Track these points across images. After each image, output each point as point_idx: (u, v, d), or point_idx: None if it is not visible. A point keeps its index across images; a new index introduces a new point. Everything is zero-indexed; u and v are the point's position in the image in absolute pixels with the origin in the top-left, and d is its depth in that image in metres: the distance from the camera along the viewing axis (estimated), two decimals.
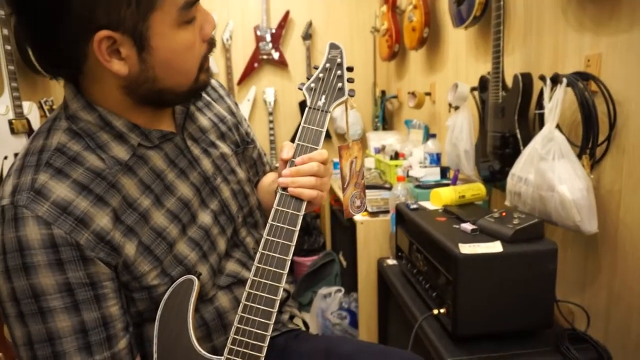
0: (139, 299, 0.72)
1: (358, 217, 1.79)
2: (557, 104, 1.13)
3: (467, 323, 1.09)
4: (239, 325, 0.67)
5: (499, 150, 1.39)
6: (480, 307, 1.08)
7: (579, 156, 1.13)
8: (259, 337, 0.67)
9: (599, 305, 1.17)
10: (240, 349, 0.67)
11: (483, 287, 1.07)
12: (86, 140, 0.68)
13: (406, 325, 1.39)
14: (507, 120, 1.36)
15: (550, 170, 1.11)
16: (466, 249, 1.07)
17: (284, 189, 0.70)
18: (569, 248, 1.26)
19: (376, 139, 2.60)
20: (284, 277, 0.68)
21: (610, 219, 1.12)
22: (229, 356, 0.67)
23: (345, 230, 2.30)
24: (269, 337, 0.67)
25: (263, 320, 0.67)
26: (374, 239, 1.78)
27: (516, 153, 1.29)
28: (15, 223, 0.61)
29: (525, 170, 1.20)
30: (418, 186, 1.75)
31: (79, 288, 0.64)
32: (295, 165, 0.71)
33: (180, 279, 0.71)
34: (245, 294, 0.67)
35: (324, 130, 0.73)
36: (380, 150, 2.44)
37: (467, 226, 1.19)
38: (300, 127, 0.73)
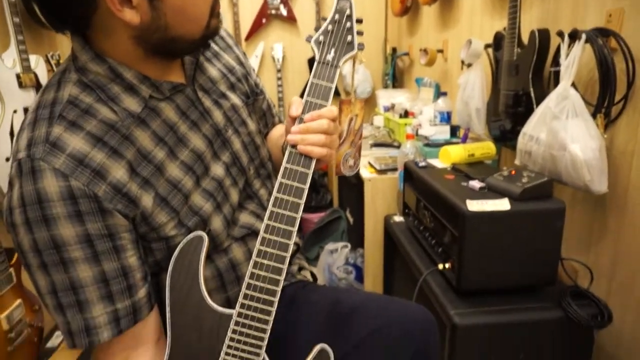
0: (157, 249, 0.74)
1: (366, 175, 1.80)
2: (574, 61, 1.10)
3: (471, 278, 1.11)
4: (250, 281, 0.69)
5: (511, 109, 1.37)
6: (485, 263, 1.10)
7: (594, 115, 1.11)
8: (269, 291, 0.69)
9: (603, 263, 1.19)
10: (252, 303, 0.69)
11: (489, 244, 1.09)
12: (97, 92, 0.68)
13: (411, 281, 1.42)
14: (521, 78, 1.33)
15: (563, 129, 1.10)
16: (474, 205, 1.07)
17: (293, 146, 0.69)
18: (577, 206, 1.27)
19: (386, 97, 2.57)
20: (294, 234, 0.69)
21: (621, 180, 1.12)
22: (240, 310, 0.69)
23: (353, 187, 2.31)
24: (279, 291, 0.69)
25: (273, 276, 0.69)
26: (381, 196, 1.79)
27: (529, 112, 1.26)
28: (33, 176, 0.62)
29: (537, 129, 1.19)
30: (427, 144, 1.74)
31: (98, 239, 0.65)
32: (304, 122, 0.70)
33: (190, 236, 0.72)
34: (255, 250, 0.69)
35: (334, 85, 0.71)
36: (390, 108, 2.41)
37: (476, 184, 1.19)
38: (309, 83, 0.71)
